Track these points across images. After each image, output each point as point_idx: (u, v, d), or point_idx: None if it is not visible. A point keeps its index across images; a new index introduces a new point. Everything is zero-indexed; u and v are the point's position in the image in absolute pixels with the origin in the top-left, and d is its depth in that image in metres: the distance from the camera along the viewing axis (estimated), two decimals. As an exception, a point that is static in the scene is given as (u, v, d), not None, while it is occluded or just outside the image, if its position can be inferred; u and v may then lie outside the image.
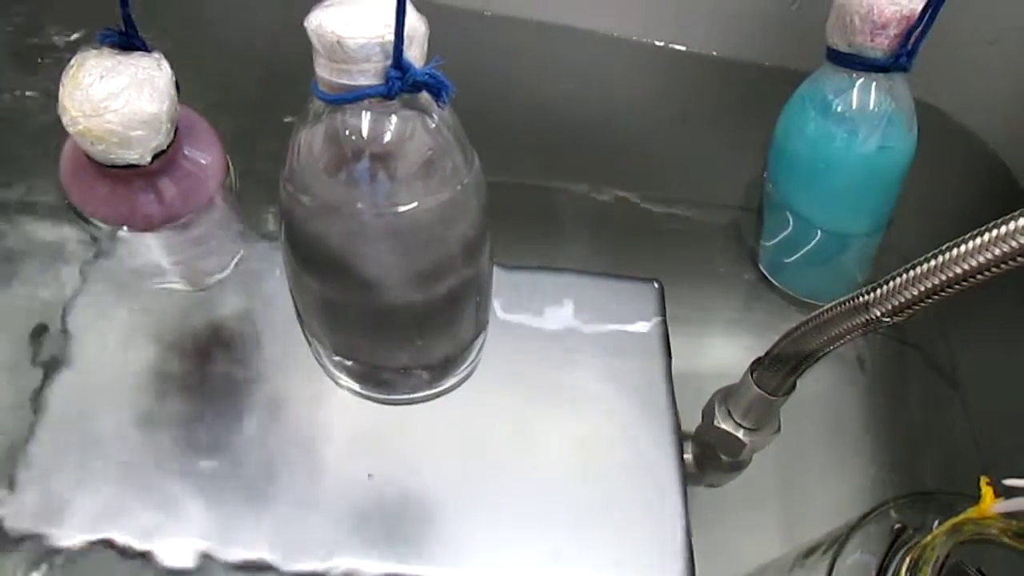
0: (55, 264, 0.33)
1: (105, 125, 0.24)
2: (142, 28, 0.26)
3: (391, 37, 0.19)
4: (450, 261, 0.24)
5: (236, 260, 0.33)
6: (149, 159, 0.26)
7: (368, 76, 0.20)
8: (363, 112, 0.21)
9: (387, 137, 0.21)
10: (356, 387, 0.29)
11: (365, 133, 0.21)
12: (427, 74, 0.20)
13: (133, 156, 0.26)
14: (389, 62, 0.19)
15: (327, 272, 0.24)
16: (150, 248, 0.31)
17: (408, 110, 0.21)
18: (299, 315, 0.28)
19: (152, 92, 0.25)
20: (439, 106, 0.21)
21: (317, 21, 0.19)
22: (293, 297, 0.27)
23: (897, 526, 0.30)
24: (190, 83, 0.30)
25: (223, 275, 0.33)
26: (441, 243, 0.23)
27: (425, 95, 0.21)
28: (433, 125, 0.21)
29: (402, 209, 0.22)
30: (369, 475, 0.30)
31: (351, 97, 0.20)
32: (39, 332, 0.32)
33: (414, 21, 0.20)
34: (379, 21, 0.19)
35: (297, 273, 0.25)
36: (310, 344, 0.29)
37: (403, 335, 0.26)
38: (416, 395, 0.30)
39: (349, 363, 0.28)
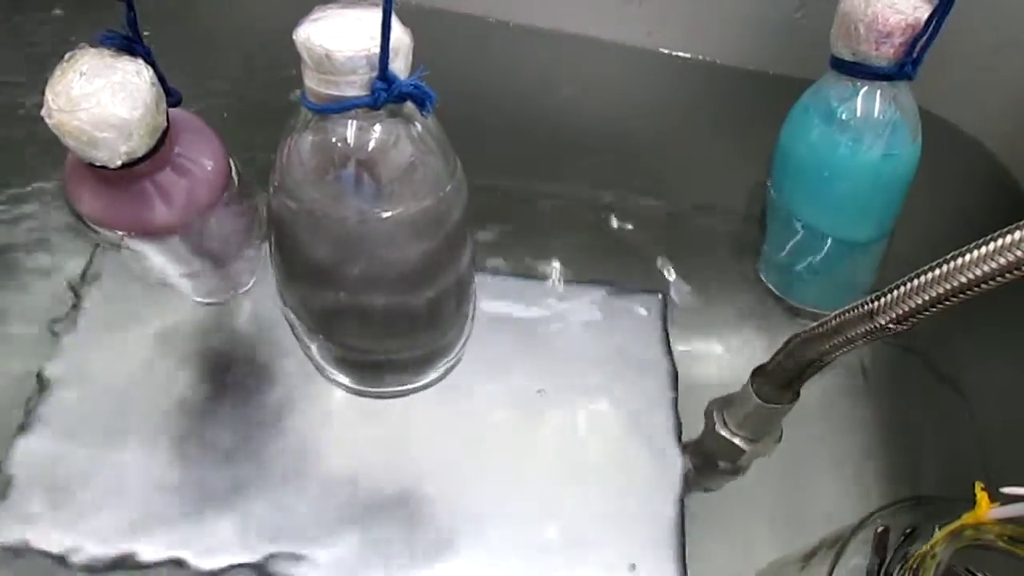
0: (59, 271, 0.34)
1: (75, 122, 0.24)
2: (151, 34, 0.27)
3: (377, 50, 0.19)
4: (433, 263, 0.25)
5: (256, 273, 0.33)
6: (119, 163, 0.26)
7: (355, 87, 0.20)
8: (349, 121, 0.21)
9: (372, 145, 0.22)
10: (346, 381, 0.30)
11: (351, 141, 0.21)
12: (412, 85, 0.20)
13: (102, 157, 0.26)
14: (375, 74, 0.20)
15: (314, 274, 0.24)
16: (152, 254, 0.32)
17: (393, 119, 0.22)
18: (287, 313, 0.28)
19: (126, 98, 0.25)
20: (423, 115, 0.21)
21: (305, 34, 0.20)
22: (281, 296, 0.27)
23: (884, 528, 0.30)
24: (197, 89, 0.30)
25: (227, 280, 0.33)
26: (424, 246, 0.24)
27: (410, 104, 0.21)
28: (417, 134, 0.22)
29: (386, 214, 0.22)
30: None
31: (338, 107, 0.20)
32: (42, 339, 0.32)
33: (399, 34, 0.20)
34: (365, 34, 0.20)
35: (285, 275, 0.26)
36: (299, 340, 0.29)
37: (388, 331, 0.27)
38: (404, 387, 0.30)
39: (337, 358, 0.29)
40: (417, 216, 0.23)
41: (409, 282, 0.24)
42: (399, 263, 0.23)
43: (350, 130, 0.21)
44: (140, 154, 0.27)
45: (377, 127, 0.21)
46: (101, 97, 0.25)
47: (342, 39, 0.19)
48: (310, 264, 0.24)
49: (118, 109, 0.25)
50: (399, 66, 0.20)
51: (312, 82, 0.20)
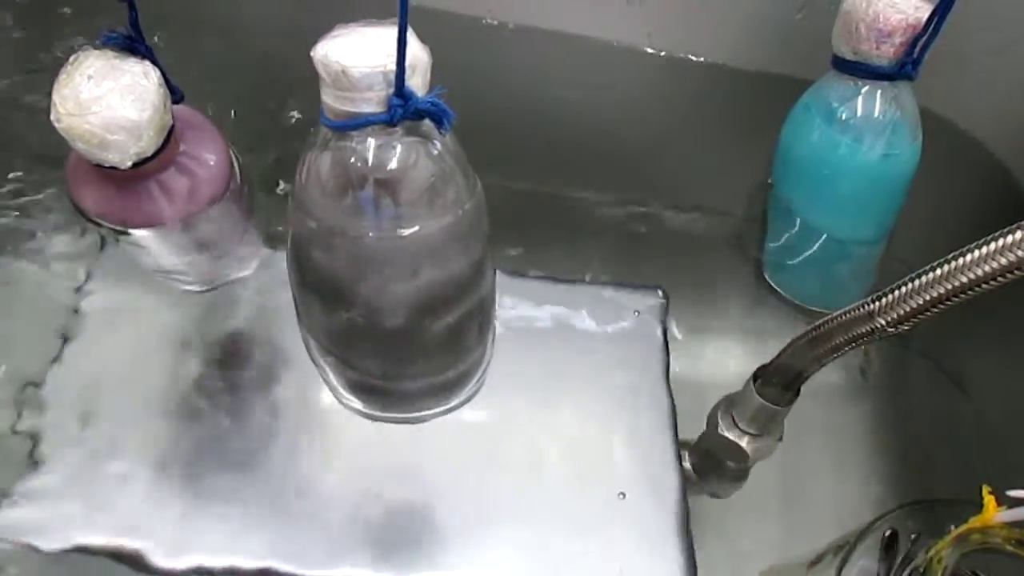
0: (62, 266, 0.34)
1: (85, 125, 0.25)
2: (152, 31, 0.27)
3: (394, 67, 0.20)
4: (453, 283, 0.24)
5: (255, 264, 0.34)
6: (129, 164, 0.26)
7: (371, 104, 0.20)
8: (368, 139, 0.21)
9: (391, 163, 0.21)
10: (361, 406, 0.30)
11: (369, 159, 0.21)
12: (429, 102, 0.20)
13: (113, 158, 0.26)
14: (392, 90, 0.20)
15: (332, 293, 0.24)
16: (156, 249, 0.32)
17: (411, 137, 0.21)
18: (305, 335, 0.28)
19: (135, 100, 0.25)
20: (441, 133, 0.21)
21: (323, 51, 0.20)
22: (299, 316, 0.27)
23: (892, 532, 0.30)
24: (199, 86, 0.30)
25: (238, 276, 0.33)
26: (444, 266, 0.24)
27: (428, 122, 0.21)
28: (436, 152, 0.22)
29: (405, 233, 0.22)
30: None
31: (355, 124, 0.20)
32: (46, 333, 0.32)
33: (417, 51, 0.20)
34: (383, 51, 0.20)
35: (304, 294, 0.25)
36: (315, 363, 0.29)
37: (407, 356, 0.27)
38: (420, 414, 0.30)
39: (354, 382, 0.29)
40: (436, 235, 0.23)
41: (429, 303, 0.24)
42: (418, 283, 0.23)
43: (368, 148, 0.21)
44: (149, 154, 0.27)
45: (396, 145, 0.21)
46: (110, 100, 0.25)
47: (359, 56, 0.19)
48: (328, 283, 0.24)
49: (128, 111, 0.25)
50: (416, 83, 0.20)
51: (329, 99, 0.20)
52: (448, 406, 0.30)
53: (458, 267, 0.24)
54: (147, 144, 0.27)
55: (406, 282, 0.23)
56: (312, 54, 0.20)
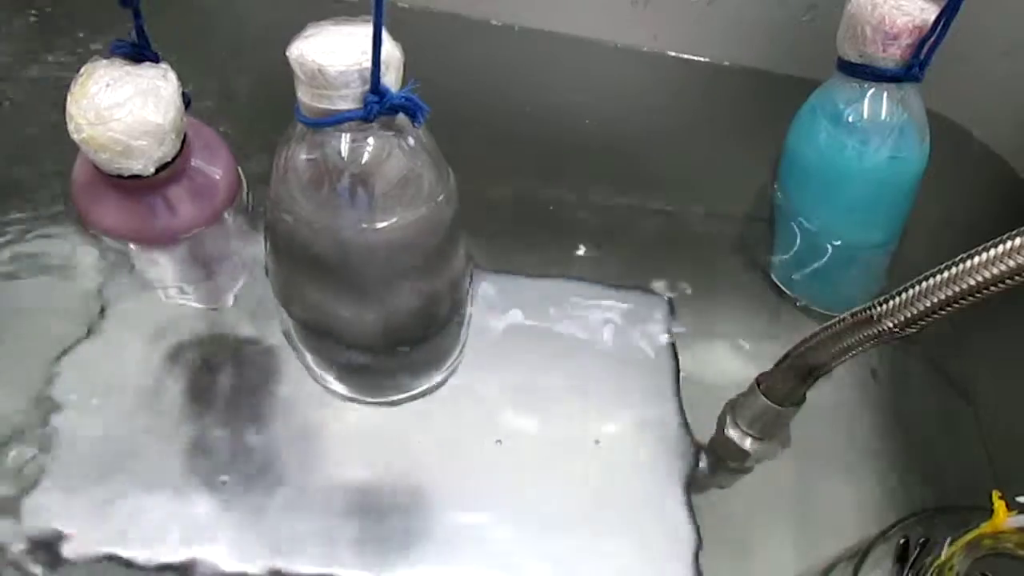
0: (68, 281, 0.34)
1: (108, 134, 0.24)
2: (156, 39, 0.27)
3: (368, 64, 0.20)
4: (426, 269, 0.25)
5: (247, 274, 0.34)
6: (153, 170, 0.26)
7: (347, 101, 0.21)
8: (343, 134, 0.21)
9: (366, 158, 0.22)
10: (343, 390, 0.30)
11: (345, 154, 0.22)
12: (403, 97, 0.21)
13: (137, 166, 0.26)
14: (367, 87, 0.20)
15: (310, 284, 0.25)
16: (162, 262, 0.32)
17: (386, 131, 0.22)
18: (285, 323, 0.29)
19: (157, 103, 0.25)
20: (415, 127, 0.21)
21: (298, 51, 0.20)
22: (278, 304, 0.28)
23: (905, 539, 0.30)
24: (204, 98, 0.30)
25: (236, 289, 0.34)
26: (418, 254, 0.24)
27: (402, 117, 0.21)
28: (409, 146, 0.22)
29: (381, 225, 0.23)
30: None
31: (331, 121, 0.21)
32: (52, 348, 0.32)
33: (390, 48, 0.21)
34: (357, 49, 0.20)
35: (283, 285, 0.26)
36: (296, 351, 0.30)
37: (385, 339, 0.27)
38: (401, 395, 0.30)
39: (334, 366, 0.29)
40: (411, 226, 0.23)
41: (404, 290, 0.25)
42: (394, 272, 0.24)
43: (344, 143, 0.21)
44: (170, 158, 0.27)
45: (370, 140, 0.22)
46: (132, 105, 0.25)
47: (334, 54, 0.20)
48: (306, 274, 0.24)
49: (150, 115, 0.25)
50: (390, 79, 0.21)
51: (306, 96, 0.21)
52: (428, 385, 0.30)
53: (431, 254, 0.25)
54: (169, 148, 0.26)
55: (381, 271, 0.24)
56: (287, 53, 0.20)
